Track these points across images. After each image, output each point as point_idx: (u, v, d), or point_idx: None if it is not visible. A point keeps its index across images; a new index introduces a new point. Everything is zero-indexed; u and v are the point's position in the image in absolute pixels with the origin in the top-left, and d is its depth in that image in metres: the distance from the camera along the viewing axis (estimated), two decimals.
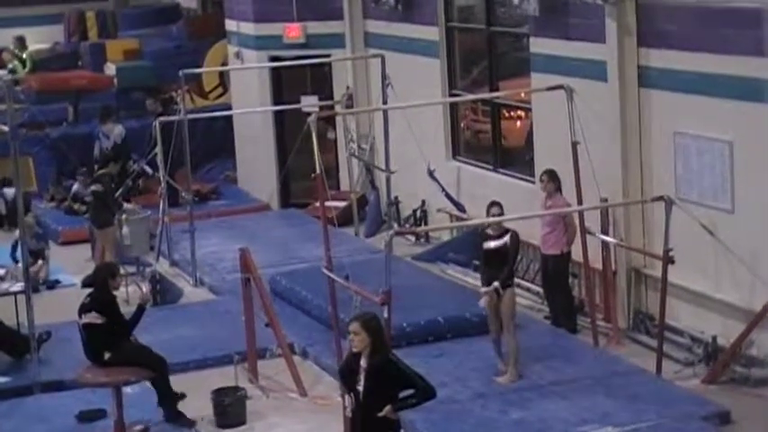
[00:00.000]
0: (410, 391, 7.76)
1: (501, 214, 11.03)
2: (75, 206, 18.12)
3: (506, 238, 11.01)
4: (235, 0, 19.20)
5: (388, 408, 7.63)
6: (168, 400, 10.50)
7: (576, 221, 12.31)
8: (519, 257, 14.15)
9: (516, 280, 14.00)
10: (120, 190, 16.45)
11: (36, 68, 22.85)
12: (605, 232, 12.31)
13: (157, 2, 26.48)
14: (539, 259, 13.17)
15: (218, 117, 18.56)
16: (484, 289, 10.99)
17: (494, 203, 11.16)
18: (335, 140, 18.30)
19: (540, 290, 13.29)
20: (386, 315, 9.68)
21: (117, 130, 18.59)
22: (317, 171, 11.35)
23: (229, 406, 10.68)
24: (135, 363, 10.24)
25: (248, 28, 18.80)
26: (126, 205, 15.89)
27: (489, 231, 11.09)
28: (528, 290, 13.78)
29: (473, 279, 14.48)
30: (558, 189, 12.32)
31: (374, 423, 7.66)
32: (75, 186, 18.33)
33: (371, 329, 7.70)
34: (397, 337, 10.89)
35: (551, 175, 12.31)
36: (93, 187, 15.55)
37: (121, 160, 17.05)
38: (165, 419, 10.51)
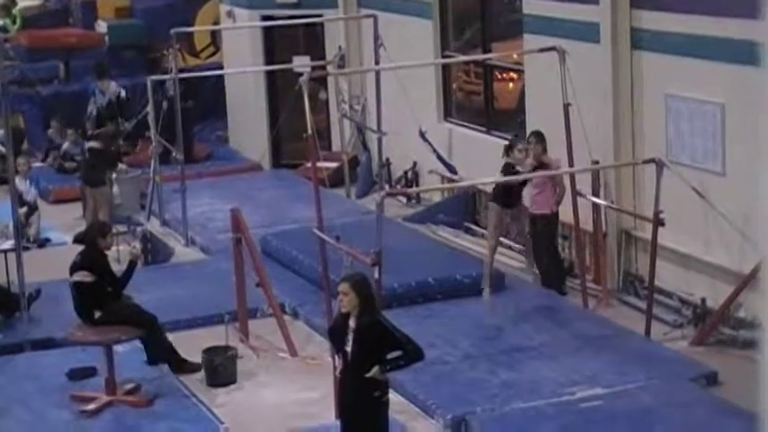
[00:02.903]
0: (398, 353, 7.79)
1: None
2: (66, 164, 18.07)
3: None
4: None
5: (375, 369, 7.66)
6: (168, 353, 10.56)
7: (567, 182, 12.31)
8: (508, 219, 14.23)
9: (506, 241, 14.10)
10: (113, 148, 16.40)
11: (26, 25, 22.69)
12: (596, 194, 12.32)
13: None
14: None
15: (209, 76, 18.48)
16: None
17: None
18: (327, 101, 18.24)
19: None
20: (376, 276, 9.69)
21: (112, 88, 18.53)
22: (309, 132, 11.32)
23: (220, 365, 10.72)
24: (126, 321, 10.26)
25: None
26: (120, 166, 15.86)
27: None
28: (520, 252, 13.80)
29: (464, 241, 14.53)
30: (545, 150, 12.34)
31: (362, 383, 7.70)
32: (66, 145, 18.28)
33: (360, 290, 7.72)
34: (387, 297, 10.90)
35: (539, 137, 12.32)
36: (90, 143, 15.44)
37: (117, 118, 17.00)
38: (172, 371, 10.59)
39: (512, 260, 13.67)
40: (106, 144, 15.25)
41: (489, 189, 14.15)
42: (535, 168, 11.73)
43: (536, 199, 12.42)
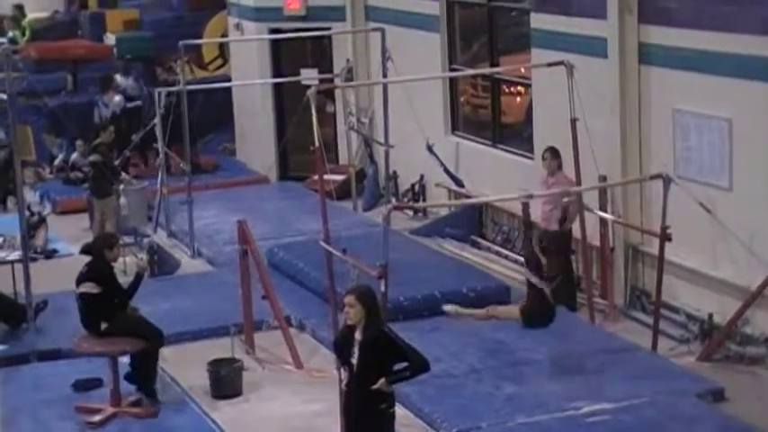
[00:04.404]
0: (404, 364, 7.78)
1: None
2: (72, 175, 18.13)
3: None
4: None
5: (381, 380, 7.65)
6: (152, 373, 10.36)
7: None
8: (516, 233, 14.23)
9: (512, 255, 14.10)
10: (119, 160, 16.46)
11: (35, 37, 22.77)
12: (603, 209, 12.31)
13: None
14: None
15: (217, 89, 18.53)
16: None
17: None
18: (335, 114, 18.27)
19: None
20: (383, 289, 9.70)
21: (116, 100, 18.60)
22: (316, 144, 11.34)
23: (225, 377, 10.71)
24: (131, 333, 10.24)
25: None
26: (123, 175, 15.90)
27: None
28: (524, 265, 13.78)
29: (470, 254, 14.53)
30: (560, 166, 12.33)
31: (368, 395, 7.69)
32: (74, 155, 18.34)
33: (366, 302, 7.72)
34: (393, 310, 10.91)
35: (554, 153, 12.30)
36: (91, 158, 15.55)
37: (114, 128, 17.04)
38: (138, 389, 10.30)
39: (516, 274, 13.67)
40: (104, 156, 15.32)
41: (496, 203, 14.19)
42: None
43: (550, 215, 12.36)
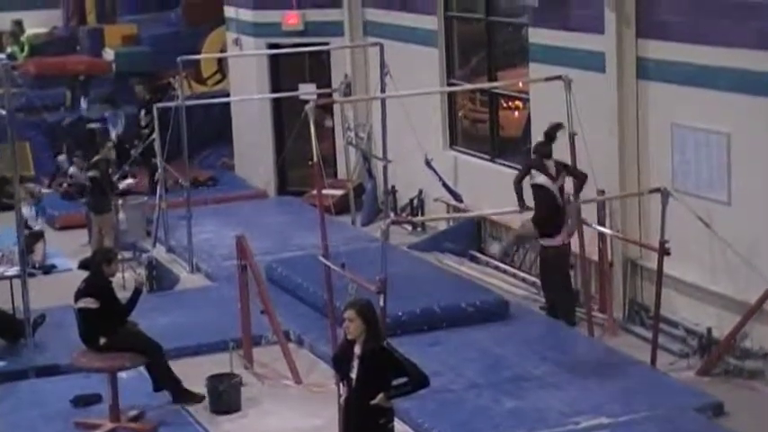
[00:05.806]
0: (403, 380, 7.77)
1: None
2: (71, 190, 18.12)
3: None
4: None
5: (381, 395, 7.64)
6: (171, 381, 10.54)
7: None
8: (515, 248, 14.22)
9: (512, 270, 14.09)
10: (118, 175, 16.47)
11: (33, 53, 22.80)
12: (602, 223, 12.31)
13: None
14: (535, 249, 13.17)
15: (215, 104, 18.55)
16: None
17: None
18: (333, 129, 18.29)
19: (537, 280, 13.28)
20: (381, 303, 9.69)
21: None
22: (315, 159, 11.34)
23: (224, 392, 10.69)
24: (130, 348, 10.24)
25: (247, 15, 18.79)
26: (125, 181, 15.91)
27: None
28: (524, 280, 13.80)
29: (469, 269, 14.52)
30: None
31: (367, 410, 7.67)
32: (72, 170, 18.34)
33: (366, 316, 7.71)
34: (392, 325, 10.90)
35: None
36: (90, 174, 15.56)
37: (113, 144, 17.12)
38: (172, 401, 10.55)
39: (517, 289, 13.67)
40: (103, 172, 15.35)
41: (495, 218, 14.19)
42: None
43: None
